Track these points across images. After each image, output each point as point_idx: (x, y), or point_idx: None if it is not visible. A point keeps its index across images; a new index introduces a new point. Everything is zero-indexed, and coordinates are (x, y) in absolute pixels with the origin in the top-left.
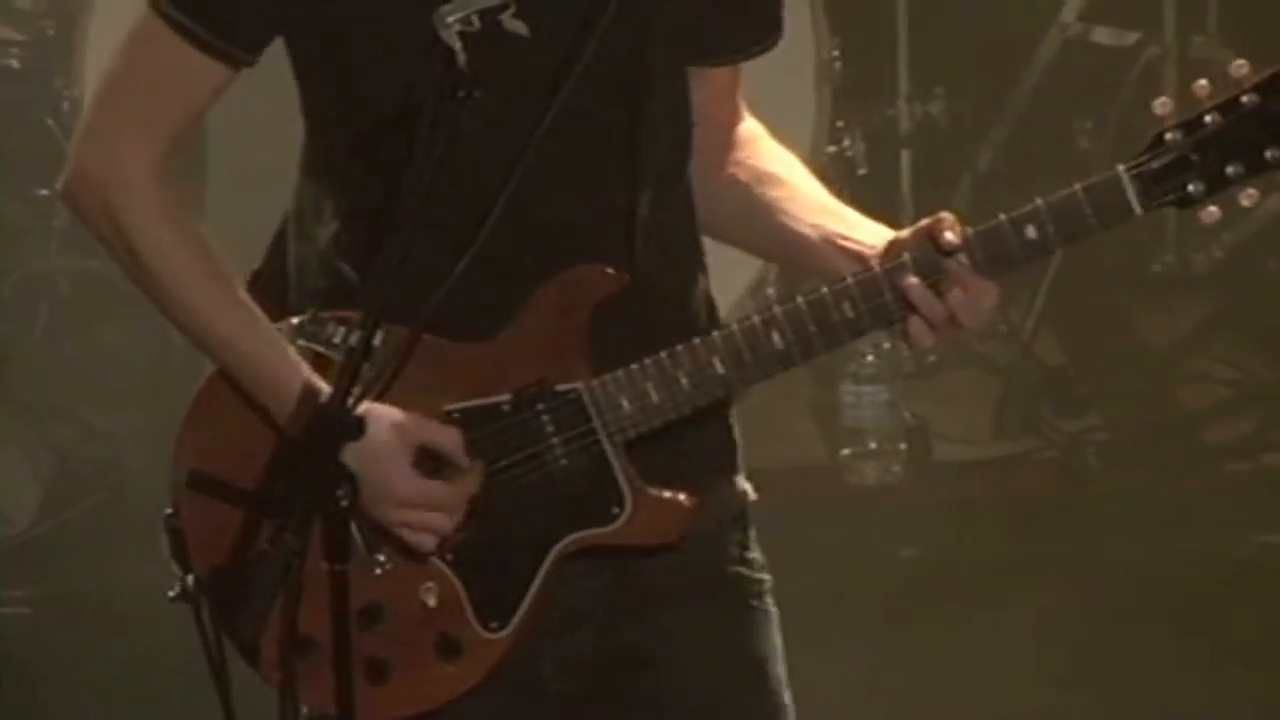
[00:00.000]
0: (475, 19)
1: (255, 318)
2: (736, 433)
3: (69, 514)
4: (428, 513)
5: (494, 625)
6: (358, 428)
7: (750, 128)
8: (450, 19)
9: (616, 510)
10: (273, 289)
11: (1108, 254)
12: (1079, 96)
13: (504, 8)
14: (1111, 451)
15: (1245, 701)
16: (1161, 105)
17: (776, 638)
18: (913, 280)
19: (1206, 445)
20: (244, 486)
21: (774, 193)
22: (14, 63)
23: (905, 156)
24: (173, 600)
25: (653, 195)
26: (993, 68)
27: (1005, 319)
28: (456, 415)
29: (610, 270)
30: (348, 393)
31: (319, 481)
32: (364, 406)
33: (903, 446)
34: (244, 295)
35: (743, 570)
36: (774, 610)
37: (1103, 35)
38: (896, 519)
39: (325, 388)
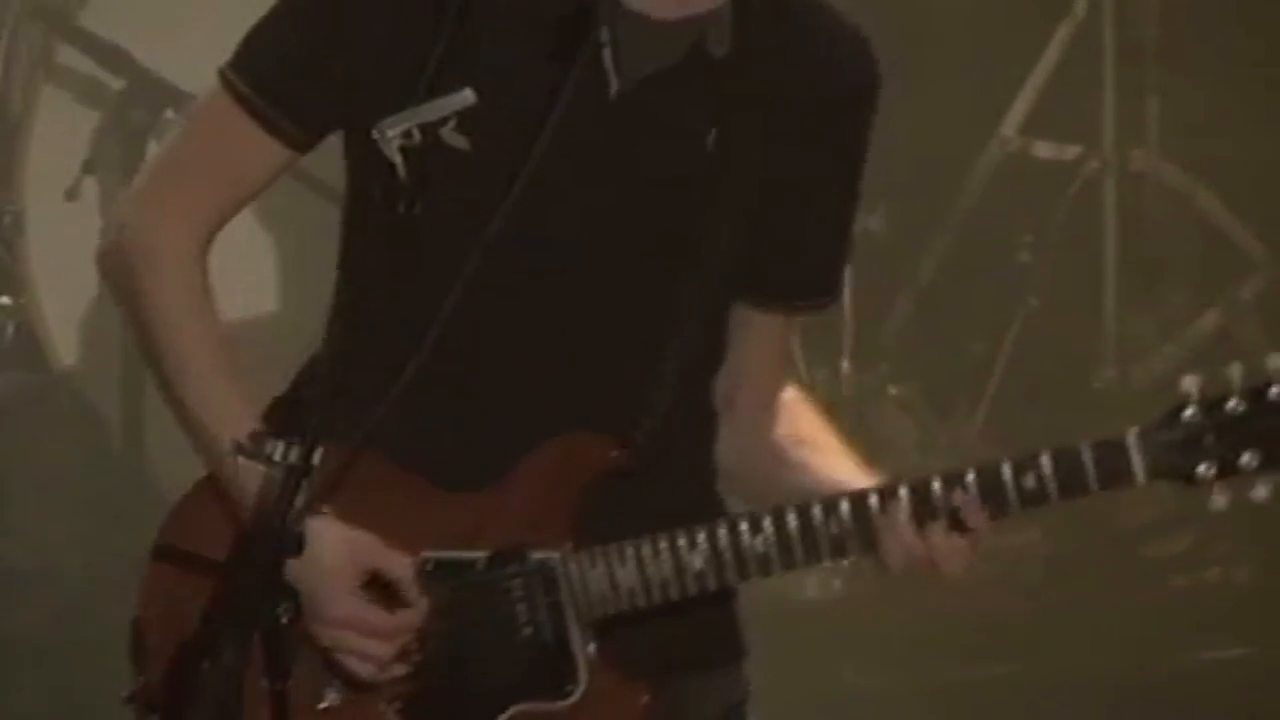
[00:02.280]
0: (416, 132)
1: (244, 421)
2: (738, 622)
3: (8, 622)
4: (365, 639)
5: None
6: (297, 543)
7: (795, 397)
8: (390, 132)
9: (570, 687)
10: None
11: (1048, 369)
12: (1020, 210)
13: (444, 122)
14: (1053, 566)
15: None
16: (1189, 381)
17: None
18: (903, 515)
19: (1148, 560)
20: (205, 594)
21: (806, 456)
22: None
23: (846, 270)
24: (125, 701)
25: (671, 382)
26: (933, 182)
27: (945, 433)
28: (431, 563)
29: (611, 447)
30: (289, 507)
31: (258, 596)
32: (319, 523)
33: (844, 561)
34: (237, 392)
35: None
36: None
37: (1043, 149)
38: (838, 635)
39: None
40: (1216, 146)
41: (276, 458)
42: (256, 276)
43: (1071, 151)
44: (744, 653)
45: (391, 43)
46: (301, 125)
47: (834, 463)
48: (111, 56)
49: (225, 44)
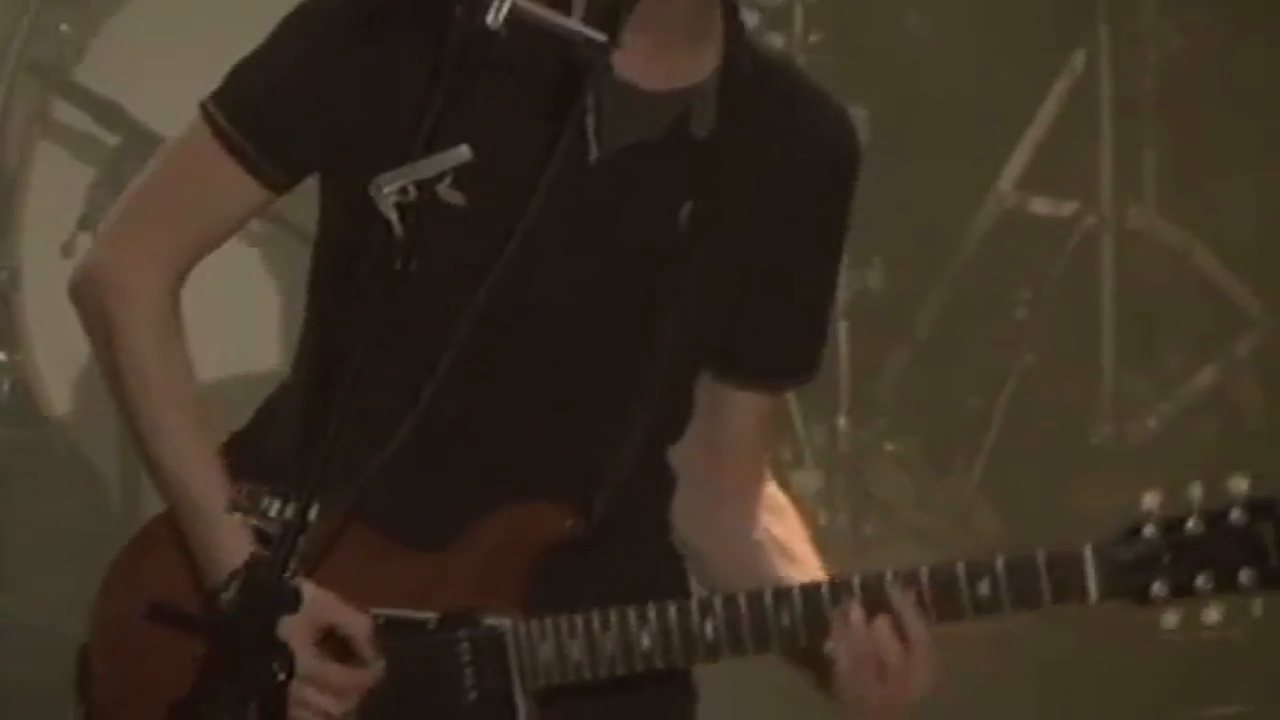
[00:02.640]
0: (412, 189)
1: (208, 466)
2: (691, 693)
3: (6, 676)
4: (320, 693)
5: None
6: (294, 600)
7: (778, 498)
8: (386, 189)
9: None
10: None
11: (1045, 425)
12: (1016, 266)
13: (440, 178)
14: (1049, 623)
15: None
16: (1150, 499)
17: None
18: (854, 610)
19: (1144, 616)
20: (155, 630)
21: (782, 566)
22: None
23: (843, 327)
24: None
25: (632, 452)
26: (930, 237)
27: (942, 490)
28: (382, 620)
29: (566, 517)
30: (284, 565)
31: (254, 653)
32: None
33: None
34: (201, 436)
35: None
36: None
37: (1040, 205)
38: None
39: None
40: (1213, 202)
41: (273, 514)
42: (259, 331)
43: (1068, 208)
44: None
45: (385, 96)
46: (282, 167)
47: (807, 579)
48: (107, 112)
49: None
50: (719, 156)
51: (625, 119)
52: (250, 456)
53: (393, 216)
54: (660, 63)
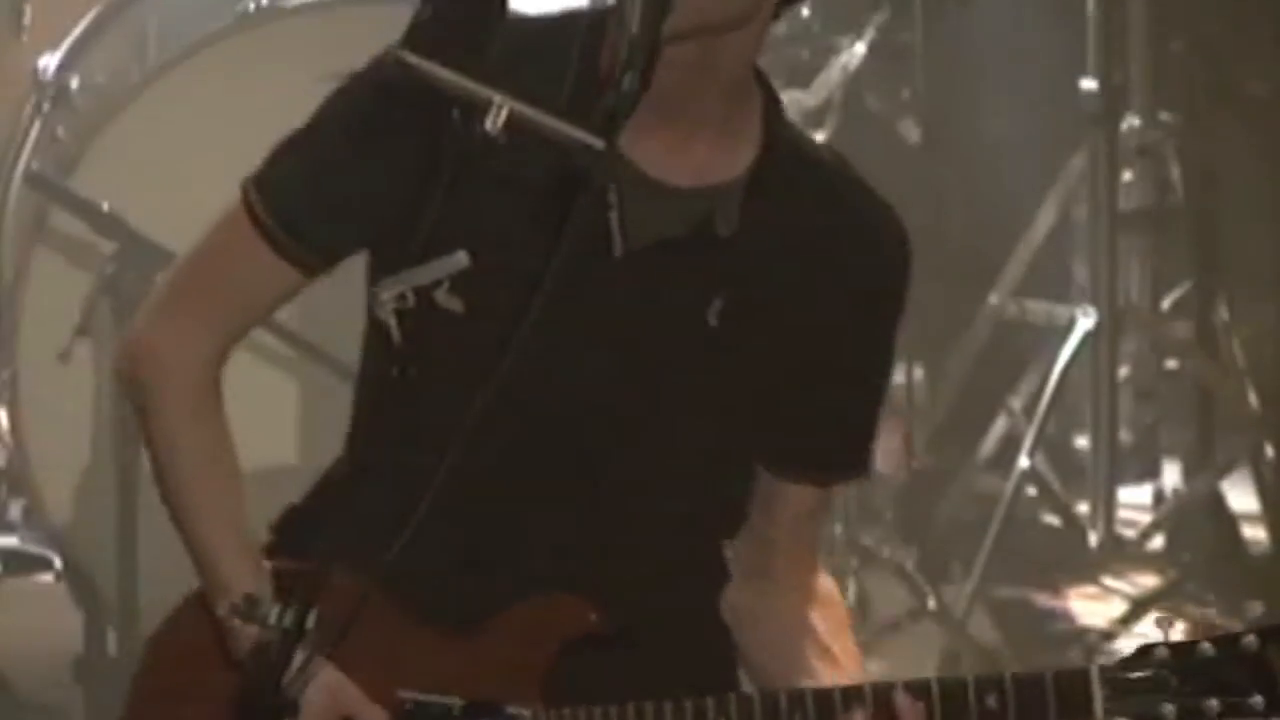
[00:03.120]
0: (410, 295)
1: (239, 549)
2: None
3: None
4: None
5: None
6: (293, 709)
7: (826, 590)
8: (384, 295)
9: None
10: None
11: (1041, 532)
12: (1013, 373)
13: (438, 284)
14: None
15: None
16: (1163, 620)
17: None
18: (865, 717)
19: None
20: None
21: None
22: None
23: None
24: None
25: (666, 547)
26: (927, 345)
27: (939, 597)
28: (409, 705)
29: (590, 611)
30: (283, 671)
31: None
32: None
33: None
34: (234, 518)
35: None
36: None
37: (1036, 311)
38: None
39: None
40: (1210, 305)
41: (271, 622)
42: (276, 426)
43: (1065, 314)
44: None
45: (391, 198)
46: (322, 258)
47: (841, 678)
48: (103, 220)
49: (218, 206)
50: (751, 252)
51: (650, 215)
52: (299, 533)
53: (391, 323)
54: (688, 158)
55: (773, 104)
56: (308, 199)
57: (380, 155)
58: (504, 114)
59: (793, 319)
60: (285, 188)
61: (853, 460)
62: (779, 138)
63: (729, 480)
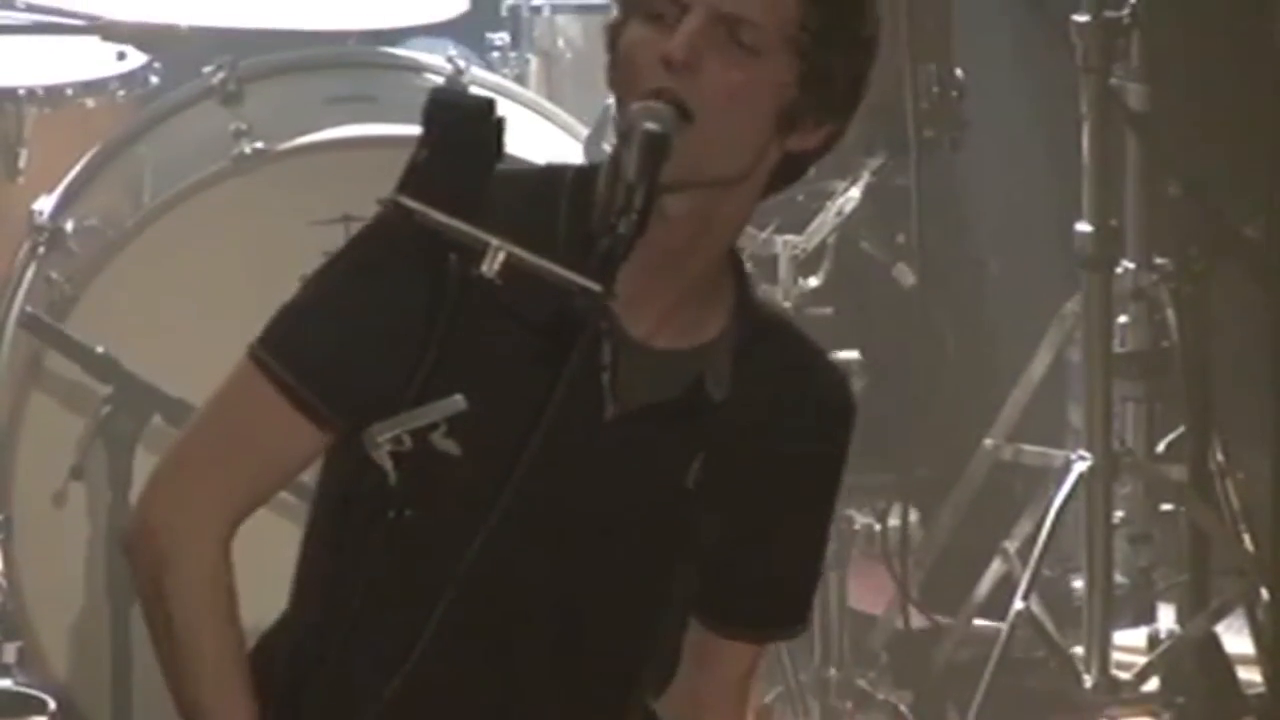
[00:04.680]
0: (406, 438)
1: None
2: None
3: None
4: None
5: None
6: None
7: None
8: (381, 438)
9: None
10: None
11: (1036, 676)
12: (1008, 517)
13: (434, 427)
14: None
15: None
16: None
17: None
18: None
19: None
20: None
21: None
22: None
23: (833, 577)
24: None
25: (624, 704)
26: (923, 489)
27: None
28: None
29: None
30: None
31: None
32: None
33: None
34: (241, 709)
35: None
36: None
37: (1031, 455)
38: None
39: None
40: (1207, 451)
41: None
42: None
43: (1060, 457)
44: None
45: (396, 342)
46: (345, 415)
47: None
48: (98, 363)
49: (213, 348)
50: (727, 414)
51: (640, 377)
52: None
53: (387, 465)
54: (673, 320)
55: (739, 265)
56: (325, 349)
57: (384, 298)
58: (500, 258)
59: (755, 482)
60: (301, 340)
61: (793, 617)
62: (749, 300)
63: (668, 634)
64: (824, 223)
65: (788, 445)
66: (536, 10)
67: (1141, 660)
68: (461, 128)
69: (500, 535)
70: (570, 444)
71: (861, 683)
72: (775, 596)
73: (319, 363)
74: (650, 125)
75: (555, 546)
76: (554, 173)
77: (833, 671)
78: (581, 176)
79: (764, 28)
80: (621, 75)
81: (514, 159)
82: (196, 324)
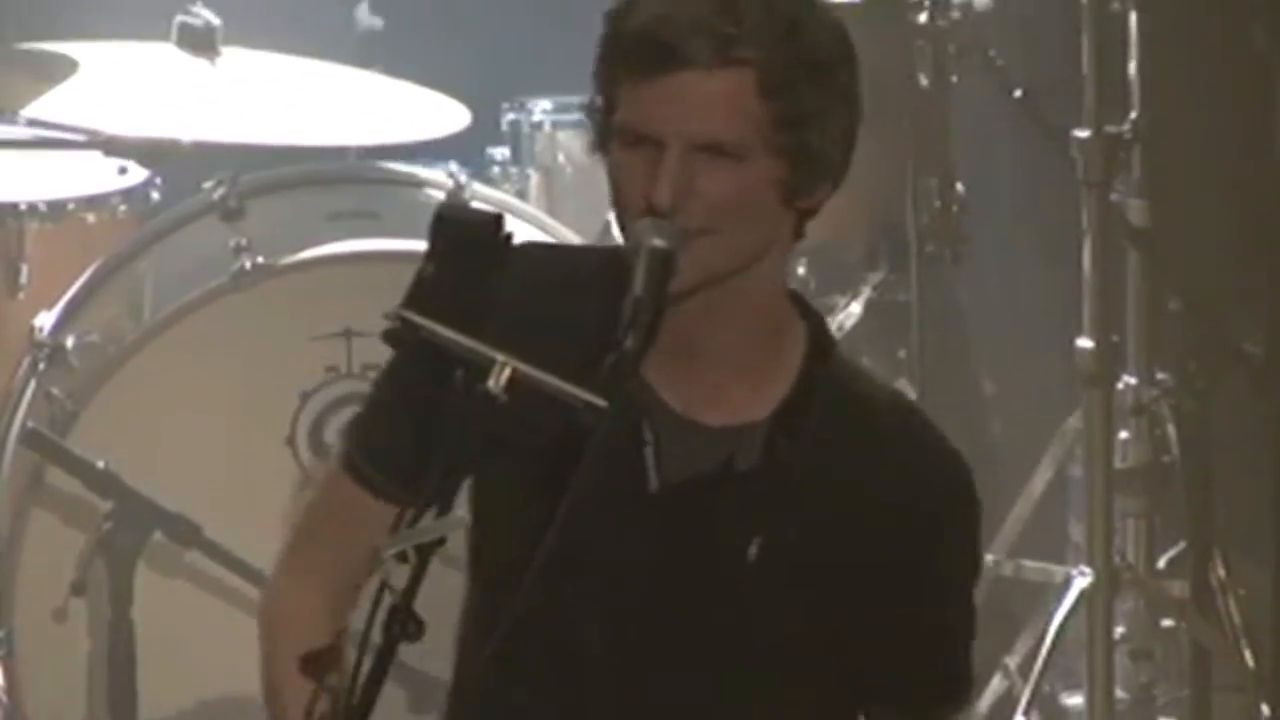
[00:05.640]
0: (411, 554)
1: None
2: None
3: None
4: None
5: None
6: None
7: None
8: (386, 554)
9: None
10: None
11: None
12: (1009, 631)
13: (441, 542)
14: None
15: None
16: None
17: None
18: None
19: None
20: None
21: None
22: None
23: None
24: None
25: None
26: None
27: None
28: None
29: None
30: None
31: None
32: None
33: None
34: None
35: None
36: None
37: (1031, 570)
38: None
39: None
40: (1208, 567)
41: None
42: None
43: (1060, 573)
44: None
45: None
46: (422, 498)
47: None
48: (99, 478)
49: (214, 464)
50: (783, 490)
51: (688, 454)
52: None
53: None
54: (720, 397)
55: (818, 338)
56: (402, 450)
57: (408, 408)
58: (506, 373)
59: (838, 556)
60: (378, 443)
61: (949, 691)
62: (814, 374)
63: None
64: None
65: (866, 517)
66: (537, 126)
67: None
68: (468, 242)
69: (541, 620)
70: (614, 520)
71: None
72: (917, 672)
73: (395, 457)
74: (656, 241)
75: (608, 620)
76: (569, 280)
77: None
78: (595, 282)
79: (740, 139)
80: (616, 192)
81: (523, 271)
82: (198, 440)
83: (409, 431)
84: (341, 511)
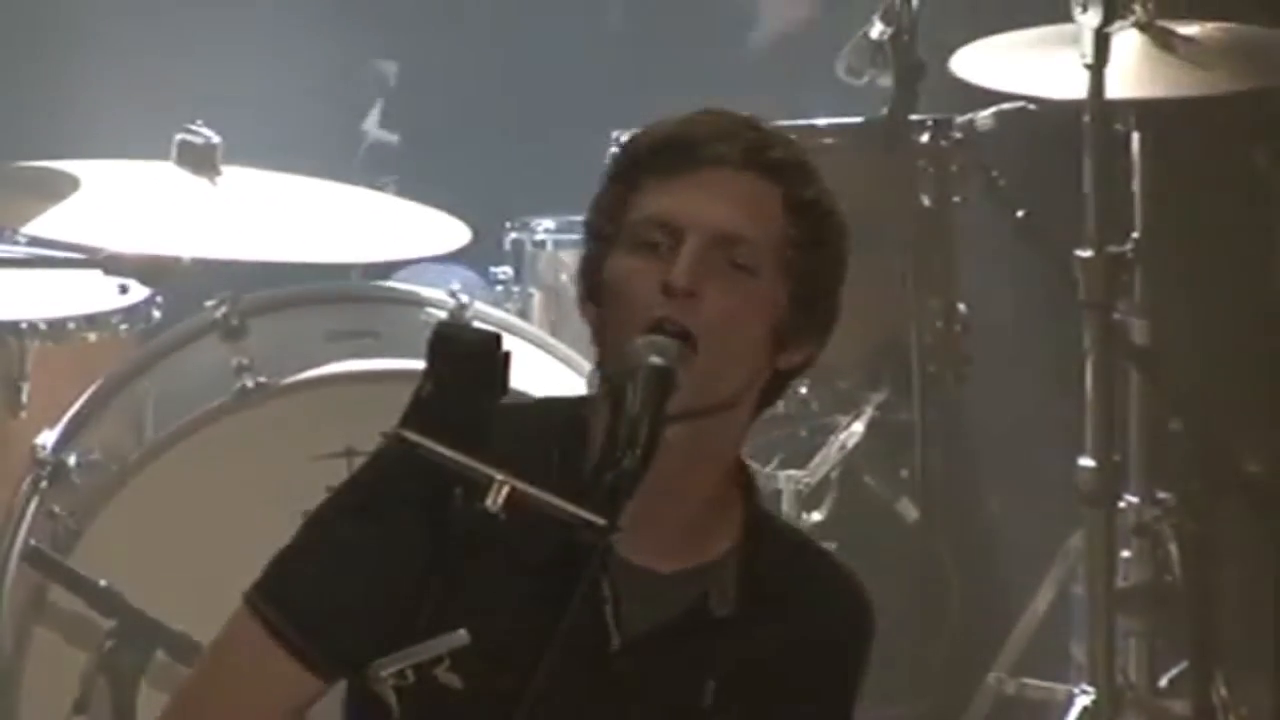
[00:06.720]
0: (410, 673)
1: None
2: None
3: None
4: None
5: None
6: None
7: None
8: (384, 673)
9: None
10: None
11: None
12: None
13: (438, 661)
14: None
15: None
16: None
17: None
18: None
19: None
20: None
21: None
22: None
23: None
24: None
25: None
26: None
27: None
28: None
29: None
30: None
31: None
32: None
33: None
34: None
35: None
36: None
37: (1034, 690)
38: None
39: None
40: (1209, 686)
41: None
42: None
43: (1063, 692)
44: None
45: (399, 578)
46: (338, 662)
47: None
48: (101, 597)
49: (216, 583)
50: (741, 633)
51: (644, 604)
52: None
53: (391, 700)
54: (673, 542)
55: (750, 481)
56: (321, 596)
57: (383, 543)
58: (505, 492)
59: (773, 691)
60: (297, 587)
61: None
62: (758, 515)
63: None
64: (827, 457)
65: (804, 652)
66: (540, 245)
67: None
68: (466, 361)
69: None
70: (578, 678)
71: None
72: None
73: (314, 610)
74: (655, 360)
75: None
76: (549, 406)
77: None
78: (589, 403)
79: (759, 245)
80: (615, 308)
81: (518, 393)
82: (200, 559)
83: (339, 586)
84: (250, 670)
